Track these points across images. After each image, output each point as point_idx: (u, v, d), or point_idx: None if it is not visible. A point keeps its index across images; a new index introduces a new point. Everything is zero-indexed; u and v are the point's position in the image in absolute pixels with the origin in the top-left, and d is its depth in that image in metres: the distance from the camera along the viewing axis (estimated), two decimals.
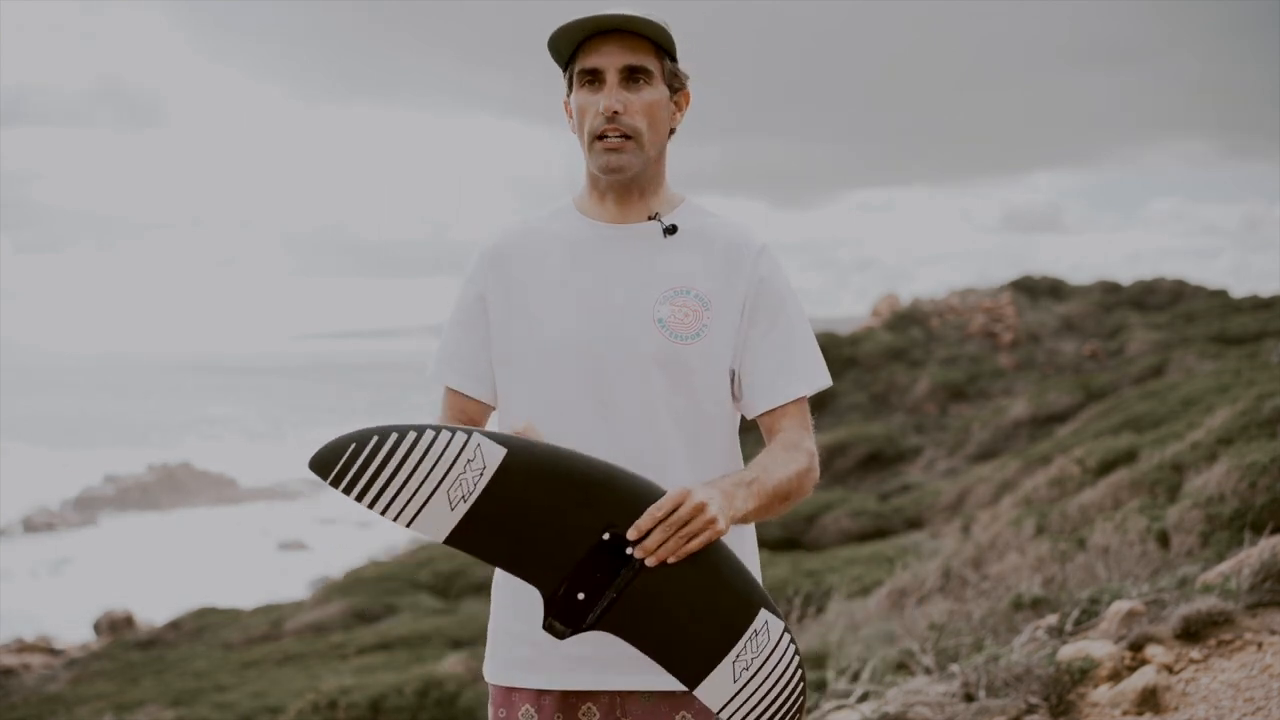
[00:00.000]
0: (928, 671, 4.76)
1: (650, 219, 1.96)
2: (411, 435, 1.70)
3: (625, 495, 1.71)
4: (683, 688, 1.85)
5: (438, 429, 1.70)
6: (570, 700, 1.93)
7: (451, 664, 10.61)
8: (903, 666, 5.17)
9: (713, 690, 1.74)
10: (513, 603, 1.98)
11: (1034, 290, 28.38)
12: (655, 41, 1.90)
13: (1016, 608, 5.32)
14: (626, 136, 1.88)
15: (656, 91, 1.90)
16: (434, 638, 13.09)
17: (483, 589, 14.54)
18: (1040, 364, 24.47)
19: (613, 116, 1.88)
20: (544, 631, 1.78)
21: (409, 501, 1.71)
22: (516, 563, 1.73)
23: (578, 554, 1.71)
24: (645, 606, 1.72)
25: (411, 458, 1.70)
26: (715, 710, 1.76)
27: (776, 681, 1.74)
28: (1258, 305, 25.34)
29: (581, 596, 1.71)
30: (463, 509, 1.71)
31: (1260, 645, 3.86)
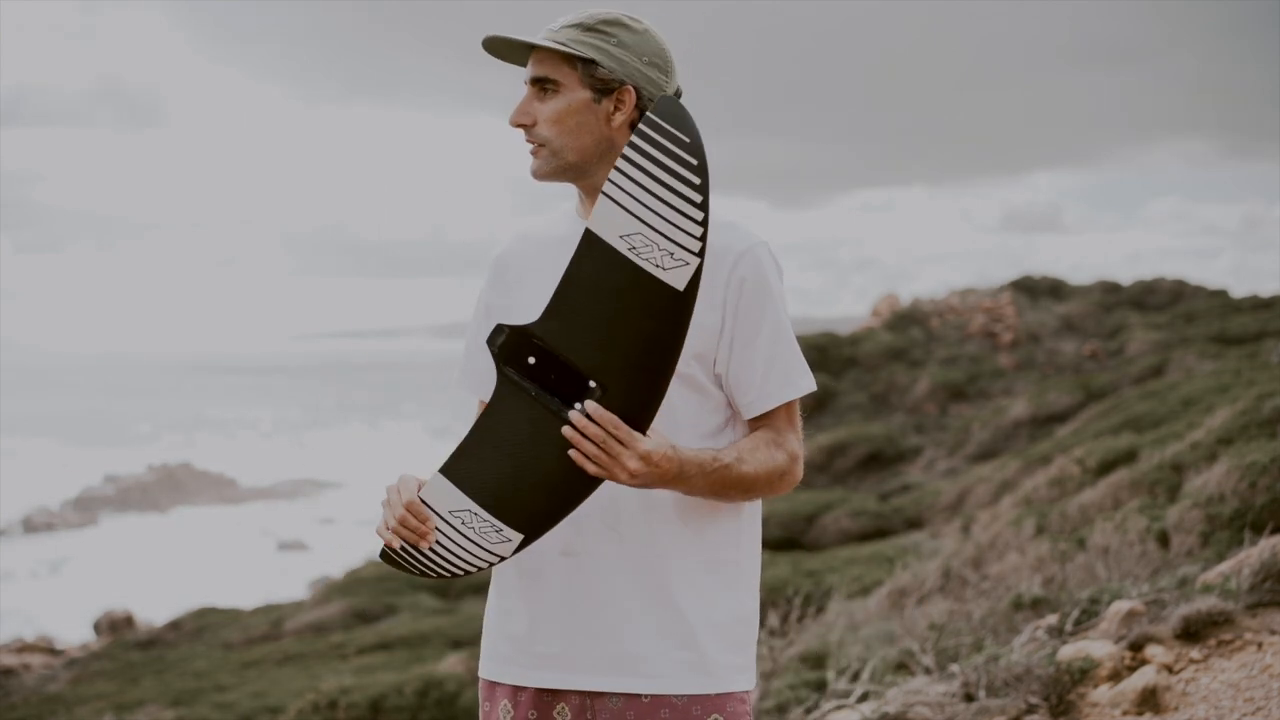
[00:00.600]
0: (928, 671, 4.76)
1: None
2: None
3: (635, 395, 1.75)
4: (652, 692, 1.90)
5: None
6: (544, 698, 1.96)
7: (451, 664, 10.62)
8: (903, 666, 5.17)
9: (437, 491, 1.83)
10: (500, 599, 2.02)
11: (1034, 290, 28.37)
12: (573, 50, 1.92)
13: (1016, 608, 5.32)
14: (539, 144, 1.96)
15: (565, 99, 1.93)
16: (434, 638, 13.10)
17: (482, 589, 14.55)
18: (1040, 364, 24.47)
19: (520, 127, 1.97)
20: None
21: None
22: (559, 301, 1.75)
23: (571, 355, 1.74)
24: (513, 426, 1.79)
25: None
26: (417, 494, 1.84)
27: (449, 555, 1.86)
28: (1258, 305, 25.32)
29: (531, 360, 1.76)
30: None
31: (1260, 645, 3.86)
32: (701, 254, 1.69)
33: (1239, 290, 41.87)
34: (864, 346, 25.09)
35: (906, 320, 26.93)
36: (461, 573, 1.88)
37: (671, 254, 1.69)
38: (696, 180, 1.67)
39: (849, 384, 23.94)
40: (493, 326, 1.85)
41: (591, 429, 1.73)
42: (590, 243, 1.71)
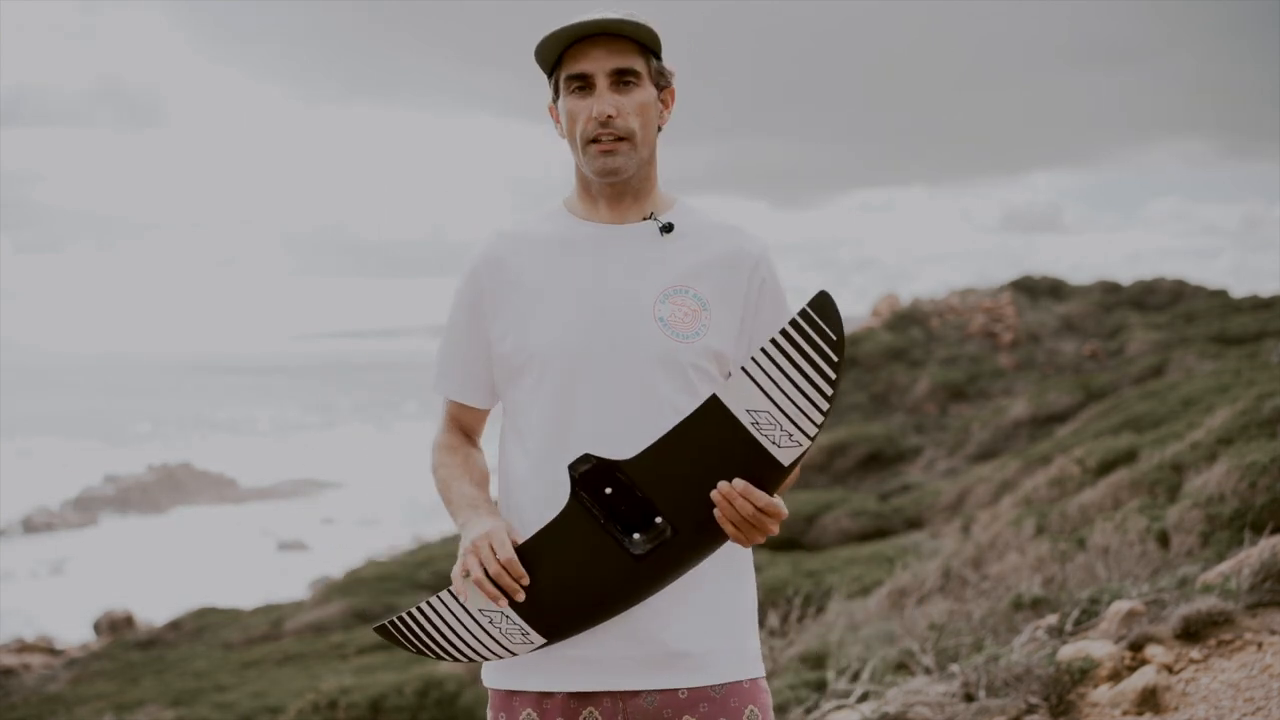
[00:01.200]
0: (928, 671, 4.76)
1: (646, 219, 1.97)
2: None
3: (701, 541, 1.81)
4: (690, 686, 1.90)
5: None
6: (572, 704, 1.92)
7: (451, 664, 10.61)
8: (903, 666, 5.17)
9: (473, 591, 1.84)
10: None
11: (1034, 290, 28.35)
12: (641, 42, 1.91)
13: (1016, 608, 5.32)
14: (621, 138, 1.90)
15: (646, 92, 1.92)
16: None
17: None
18: (1040, 364, 24.46)
19: (606, 121, 1.89)
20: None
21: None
22: (662, 449, 1.78)
23: (655, 497, 1.78)
24: (571, 546, 1.81)
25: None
26: (449, 591, 1.85)
27: (465, 645, 1.88)
28: (1258, 305, 25.29)
29: (608, 490, 1.78)
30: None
31: (1260, 645, 3.86)
32: (814, 439, 1.76)
33: (1239, 290, 41.90)
34: (864, 346, 25.07)
35: (906, 320, 26.91)
36: (466, 660, 1.91)
37: (790, 435, 1.75)
38: (833, 375, 1.73)
39: (849, 384, 23.93)
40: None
41: (742, 505, 1.75)
42: (715, 409, 1.75)
